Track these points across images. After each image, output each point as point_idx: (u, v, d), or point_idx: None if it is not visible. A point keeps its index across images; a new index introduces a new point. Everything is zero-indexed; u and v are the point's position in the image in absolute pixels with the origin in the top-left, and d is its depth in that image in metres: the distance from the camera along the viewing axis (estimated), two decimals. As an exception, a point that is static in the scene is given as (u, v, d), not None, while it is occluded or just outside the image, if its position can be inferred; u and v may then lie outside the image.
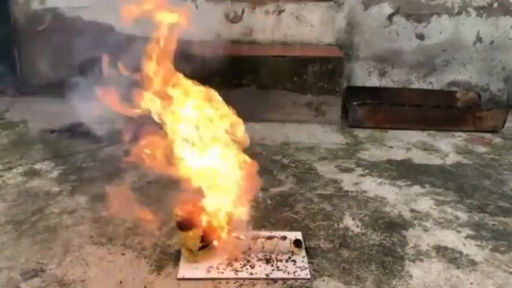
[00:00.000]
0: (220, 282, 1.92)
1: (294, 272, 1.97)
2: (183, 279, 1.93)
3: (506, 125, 3.69)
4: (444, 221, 2.42)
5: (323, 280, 1.95)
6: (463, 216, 2.47)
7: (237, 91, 3.61)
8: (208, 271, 1.97)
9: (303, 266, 2.01)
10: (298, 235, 2.20)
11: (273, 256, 2.06)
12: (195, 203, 2.06)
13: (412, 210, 2.52)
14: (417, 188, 2.77)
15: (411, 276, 1.99)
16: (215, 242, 2.06)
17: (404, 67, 4.14)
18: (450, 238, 2.27)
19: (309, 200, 2.59)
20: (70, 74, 4.04)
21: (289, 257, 2.06)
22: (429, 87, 4.18)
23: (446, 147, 3.39)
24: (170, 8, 2.06)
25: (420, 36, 4.06)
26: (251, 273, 1.96)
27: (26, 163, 2.97)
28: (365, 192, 2.70)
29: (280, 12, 4.00)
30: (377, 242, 2.22)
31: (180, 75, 2.10)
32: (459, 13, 4.01)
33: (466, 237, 2.28)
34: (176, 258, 2.05)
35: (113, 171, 2.88)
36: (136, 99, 2.07)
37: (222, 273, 1.96)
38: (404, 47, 4.09)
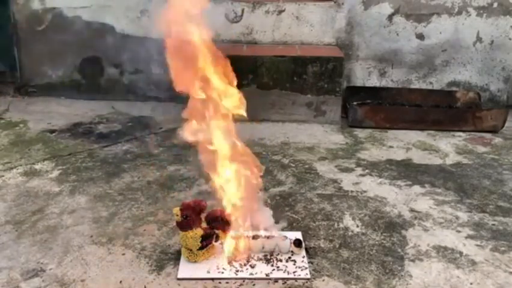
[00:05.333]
0: (220, 282, 1.92)
1: (294, 272, 1.97)
2: (183, 279, 1.93)
3: (506, 125, 3.69)
4: (444, 221, 2.42)
5: (323, 280, 1.95)
6: (463, 216, 2.48)
7: (237, 91, 3.62)
8: (208, 271, 1.97)
9: (303, 266, 2.01)
10: (298, 235, 2.20)
11: (273, 256, 2.06)
12: (196, 202, 2.06)
13: (412, 210, 2.52)
14: (417, 188, 2.77)
15: (411, 276, 1.99)
16: (215, 242, 2.07)
17: (404, 67, 4.14)
18: (450, 238, 2.27)
19: (309, 200, 2.59)
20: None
21: (289, 257, 2.06)
22: (429, 87, 4.17)
23: (446, 147, 3.39)
24: None
25: (420, 36, 4.06)
26: (251, 273, 1.96)
27: (26, 163, 2.97)
28: (365, 192, 2.70)
29: (280, 12, 4.00)
30: (377, 242, 2.22)
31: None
32: (459, 13, 4.01)
33: (466, 237, 2.28)
34: (176, 258, 2.05)
35: (113, 171, 2.88)
36: None
37: (222, 273, 1.96)
38: (404, 47, 4.09)
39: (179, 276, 1.94)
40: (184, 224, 1.98)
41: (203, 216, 2.05)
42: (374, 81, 4.18)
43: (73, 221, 2.35)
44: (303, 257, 2.07)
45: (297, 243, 2.08)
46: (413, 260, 2.09)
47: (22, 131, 3.50)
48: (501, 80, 4.16)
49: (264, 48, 3.94)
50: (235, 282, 1.92)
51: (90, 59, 4.21)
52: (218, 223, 2.05)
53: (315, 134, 3.56)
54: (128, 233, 2.25)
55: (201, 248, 2.00)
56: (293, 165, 3.03)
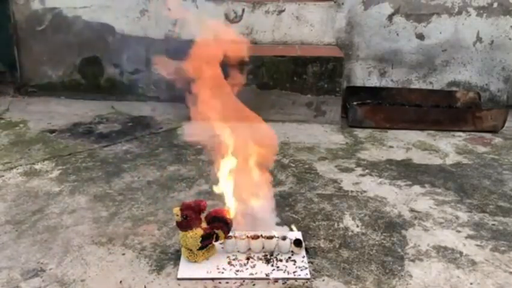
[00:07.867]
0: (220, 282, 1.92)
1: (294, 272, 1.97)
2: (183, 279, 1.93)
3: (506, 125, 3.69)
4: (444, 221, 2.42)
5: (323, 280, 1.95)
6: (463, 216, 2.48)
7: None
8: (208, 271, 1.97)
9: (303, 266, 2.01)
10: (298, 235, 2.20)
11: (273, 256, 2.06)
12: (196, 202, 2.06)
13: (412, 210, 2.52)
14: (417, 188, 2.77)
15: (411, 276, 1.99)
16: (215, 242, 2.07)
17: (404, 67, 4.14)
18: (450, 238, 2.27)
19: (309, 200, 2.59)
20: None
21: (289, 257, 2.06)
22: (429, 87, 4.17)
23: (446, 147, 3.39)
24: None
25: (420, 36, 4.06)
26: (251, 273, 1.96)
27: (26, 163, 2.97)
28: (365, 192, 2.70)
29: (280, 12, 4.00)
30: (377, 242, 2.22)
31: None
32: (459, 13, 4.01)
33: (466, 237, 2.28)
34: (176, 258, 2.05)
35: (113, 171, 2.88)
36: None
37: (222, 273, 1.96)
38: (404, 47, 4.09)
39: (179, 276, 1.94)
40: (184, 224, 1.98)
41: (203, 216, 2.05)
42: (374, 81, 4.18)
43: (73, 221, 2.35)
44: (303, 257, 2.07)
45: (297, 243, 2.08)
46: (413, 260, 2.09)
47: (22, 131, 3.50)
48: (501, 80, 4.16)
49: (264, 48, 3.94)
50: (235, 282, 1.92)
51: (90, 59, 4.21)
52: (218, 223, 2.05)
53: (315, 134, 3.56)
54: (128, 233, 2.25)
55: (201, 248, 2.00)
56: (293, 165, 3.03)
